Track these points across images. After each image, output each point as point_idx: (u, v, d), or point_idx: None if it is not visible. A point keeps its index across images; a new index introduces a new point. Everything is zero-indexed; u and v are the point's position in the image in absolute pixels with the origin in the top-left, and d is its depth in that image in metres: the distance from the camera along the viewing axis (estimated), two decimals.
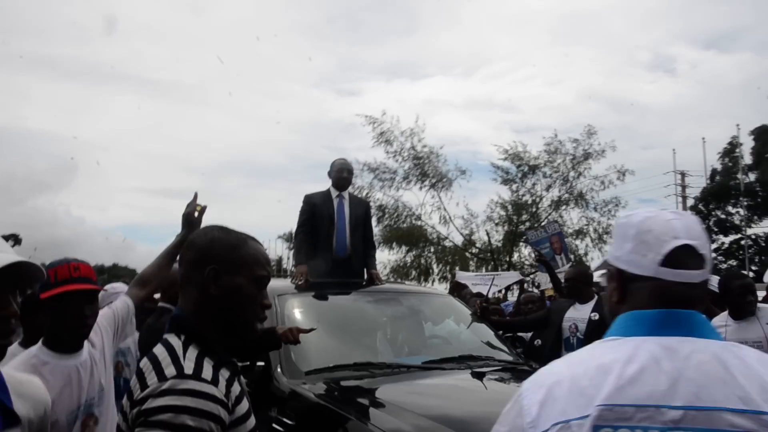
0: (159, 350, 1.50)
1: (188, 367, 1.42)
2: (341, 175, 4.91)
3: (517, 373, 3.74)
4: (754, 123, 31.46)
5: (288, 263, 73.56)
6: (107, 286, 6.06)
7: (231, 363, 1.56)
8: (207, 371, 1.44)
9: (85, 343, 2.42)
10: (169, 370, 1.41)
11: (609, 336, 1.25)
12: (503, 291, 9.00)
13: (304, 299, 4.05)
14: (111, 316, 2.69)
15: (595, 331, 4.38)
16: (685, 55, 54.68)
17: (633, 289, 1.25)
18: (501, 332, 4.60)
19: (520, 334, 5.30)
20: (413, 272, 24.36)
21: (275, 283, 4.20)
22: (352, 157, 22.87)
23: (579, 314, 4.66)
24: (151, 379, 1.42)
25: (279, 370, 3.30)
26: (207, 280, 1.54)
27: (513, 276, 6.02)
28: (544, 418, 1.16)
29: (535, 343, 5.02)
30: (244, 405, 1.53)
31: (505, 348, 4.20)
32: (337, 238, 4.69)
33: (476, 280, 7.09)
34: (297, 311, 3.82)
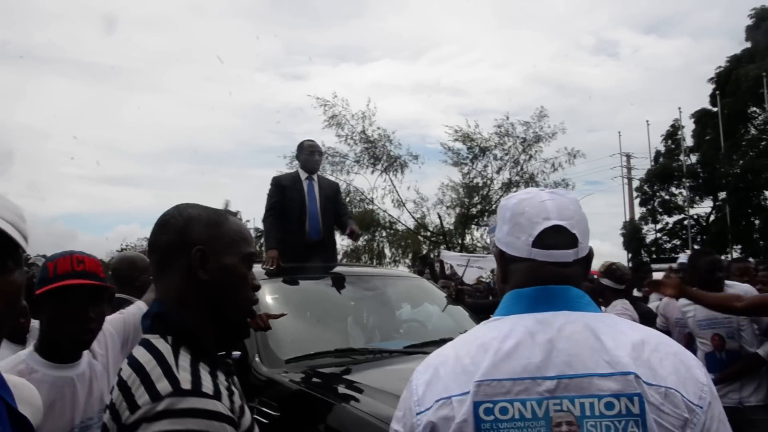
0: (144, 357, 1.24)
1: (185, 380, 1.18)
2: (311, 157, 4.77)
3: None
4: (693, 106, 32.33)
5: None
6: None
7: (225, 363, 1.34)
8: (207, 382, 1.21)
9: (85, 352, 2.05)
10: (163, 385, 1.17)
11: (495, 316, 1.28)
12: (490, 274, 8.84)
13: (277, 285, 3.87)
14: (121, 323, 2.39)
15: None
16: (627, 40, 55.83)
17: (512, 269, 1.30)
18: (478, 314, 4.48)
19: None
20: (365, 257, 24.28)
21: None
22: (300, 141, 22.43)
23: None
24: (142, 396, 1.17)
25: (257, 359, 3.13)
26: (194, 263, 1.31)
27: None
28: (428, 396, 1.20)
29: None
30: (248, 415, 1.33)
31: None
32: (309, 221, 4.55)
33: (461, 261, 6.88)
34: (270, 297, 3.64)
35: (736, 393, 3.72)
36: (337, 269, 4.41)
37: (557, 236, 1.25)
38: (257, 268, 4.06)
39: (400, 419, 1.25)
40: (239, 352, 3.10)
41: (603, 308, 4.43)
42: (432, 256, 20.03)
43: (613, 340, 1.16)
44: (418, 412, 1.20)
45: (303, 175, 4.69)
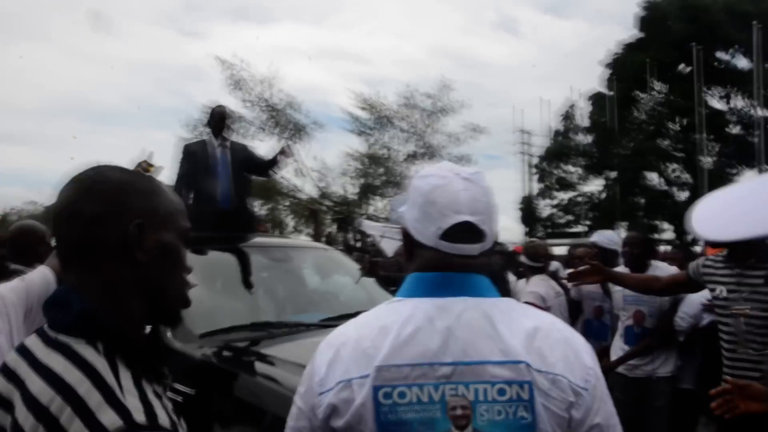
0: (71, 374, 0.93)
1: (136, 410, 0.90)
2: (221, 122, 4.61)
3: None
4: (586, 84, 33.76)
5: None
6: None
7: (161, 372, 1.07)
8: (159, 410, 0.94)
9: None
10: (109, 418, 0.88)
11: (397, 296, 1.30)
12: None
13: (191, 258, 3.81)
14: (23, 291, 2.12)
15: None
16: (527, 17, 57.25)
17: (418, 252, 1.30)
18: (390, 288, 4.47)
19: None
20: (267, 226, 24.14)
21: None
22: (200, 103, 22.06)
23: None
24: None
25: (169, 334, 2.99)
26: (131, 241, 1.03)
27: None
28: (330, 377, 1.21)
29: None
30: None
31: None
32: (220, 188, 4.40)
33: (382, 232, 6.58)
34: None
35: (648, 365, 3.97)
36: (248, 240, 4.30)
37: (466, 231, 1.26)
38: None
39: (302, 395, 1.27)
40: (149, 326, 3.02)
41: (525, 282, 4.73)
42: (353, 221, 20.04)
43: (509, 329, 1.21)
44: (320, 393, 1.21)
45: (214, 141, 4.54)
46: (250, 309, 3.60)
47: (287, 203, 25.01)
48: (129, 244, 1.02)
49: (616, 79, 28.83)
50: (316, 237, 6.38)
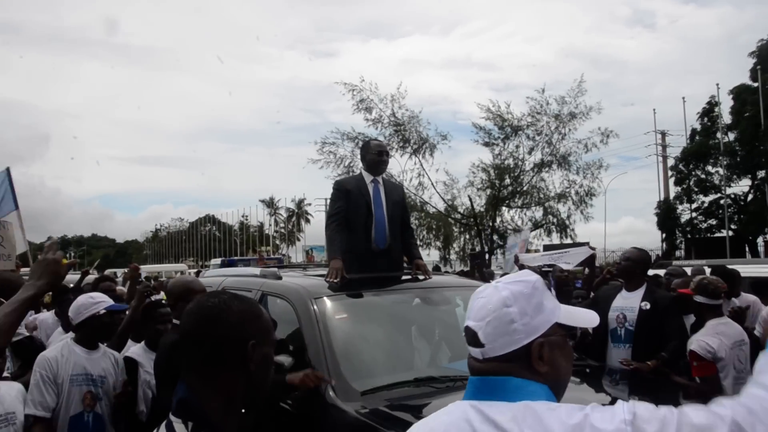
0: None
1: None
2: (379, 158, 4.40)
3: (581, 374, 3.47)
4: (733, 77, 31.38)
5: (270, 229, 73.31)
6: (33, 317, 5.71)
7: None
8: None
9: None
10: None
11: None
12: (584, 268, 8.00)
13: (345, 302, 3.64)
14: None
15: (646, 322, 4.15)
16: (664, 9, 54.40)
17: None
18: None
19: None
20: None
21: (307, 283, 3.84)
22: (330, 120, 22.67)
23: (627, 303, 4.34)
24: None
25: (330, 391, 2.86)
26: (249, 357, 1.39)
27: (583, 251, 5.37)
28: None
29: (583, 334, 4.52)
30: None
31: None
32: (376, 227, 4.22)
33: (542, 261, 6.27)
34: (338, 316, 3.42)
35: None
36: (404, 280, 4.17)
37: (468, 335, 1.38)
38: (320, 282, 3.84)
39: None
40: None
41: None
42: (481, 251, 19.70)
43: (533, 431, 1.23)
44: None
45: (368, 177, 4.35)
46: (411, 360, 3.48)
47: (416, 216, 24.87)
48: (246, 360, 1.39)
49: (761, 69, 26.57)
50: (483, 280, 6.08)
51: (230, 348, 1.39)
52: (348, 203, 4.24)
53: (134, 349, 3.82)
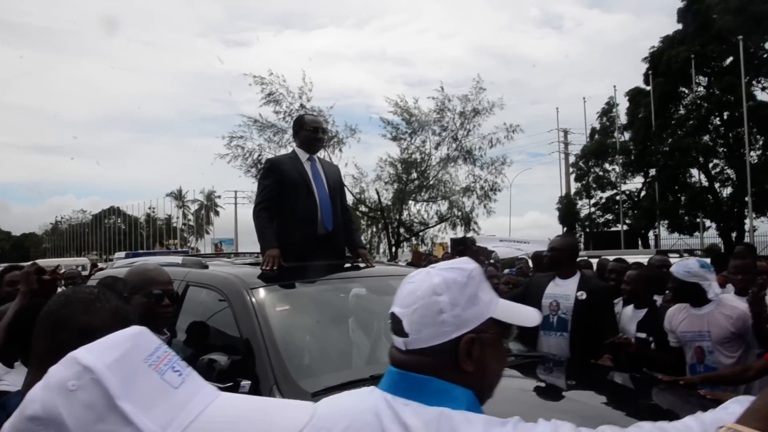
0: None
1: None
2: (314, 134, 4.01)
3: (536, 366, 3.41)
4: (631, 80, 32.98)
5: (178, 222, 71.26)
6: None
7: None
8: None
9: None
10: None
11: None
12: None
13: (285, 292, 3.31)
14: None
15: (582, 312, 4.06)
16: (571, 12, 56.62)
17: None
18: None
19: None
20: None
21: (240, 272, 3.43)
22: (242, 111, 22.18)
23: (561, 290, 4.23)
24: None
25: (277, 392, 2.58)
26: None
27: (542, 243, 5.10)
28: None
29: None
30: None
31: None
32: (322, 208, 3.82)
33: (502, 247, 5.95)
34: (278, 308, 3.10)
35: None
36: (348, 269, 3.87)
37: (393, 321, 1.25)
38: (255, 272, 3.47)
39: None
40: (248, 382, 2.62)
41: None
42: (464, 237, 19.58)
43: None
44: None
45: (303, 155, 3.97)
46: (364, 355, 3.24)
47: None
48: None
49: (654, 74, 28.06)
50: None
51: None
52: (283, 184, 3.83)
53: None
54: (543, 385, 3.35)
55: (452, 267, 1.26)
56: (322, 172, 3.96)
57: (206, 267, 3.60)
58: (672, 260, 5.48)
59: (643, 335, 4.06)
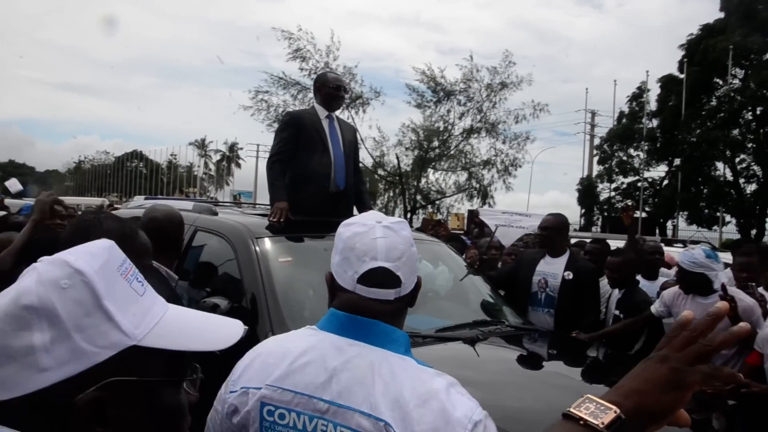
0: None
1: None
2: (336, 92, 4.00)
3: (530, 337, 3.50)
4: (665, 66, 32.35)
5: (199, 171, 71.76)
6: None
7: None
8: None
9: None
10: None
11: (316, 326, 1.40)
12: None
13: (289, 244, 3.36)
14: None
15: (568, 291, 4.20)
16: None
17: (339, 294, 1.38)
18: (498, 287, 4.20)
19: None
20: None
21: (248, 221, 3.49)
22: (271, 65, 22.17)
23: (550, 268, 4.35)
24: None
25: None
26: None
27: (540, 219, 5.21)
28: (240, 380, 1.37)
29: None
30: None
31: (509, 308, 3.80)
32: (335, 166, 3.85)
33: (500, 220, 5.97)
34: (281, 259, 3.15)
35: None
36: None
37: (381, 276, 1.33)
38: (263, 222, 3.52)
39: (219, 397, 1.41)
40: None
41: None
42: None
43: (385, 386, 1.25)
44: (230, 391, 1.37)
45: (322, 113, 3.94)
46: None
47: None
48: None
49: (688, 63, 27.52)
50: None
51: None
52: (299, 138, 3.83)
53: None
54: (525, 354, 3.45)
55: (397, 221, 1.42)
56: (339, 130, 3.97)
57: (216, 214, 3.66)
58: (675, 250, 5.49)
59: (617, 312, 4.28)
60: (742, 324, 0.82)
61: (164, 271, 2.49)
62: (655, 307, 3.95)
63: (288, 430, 1.29)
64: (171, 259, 2.69)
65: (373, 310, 1.34)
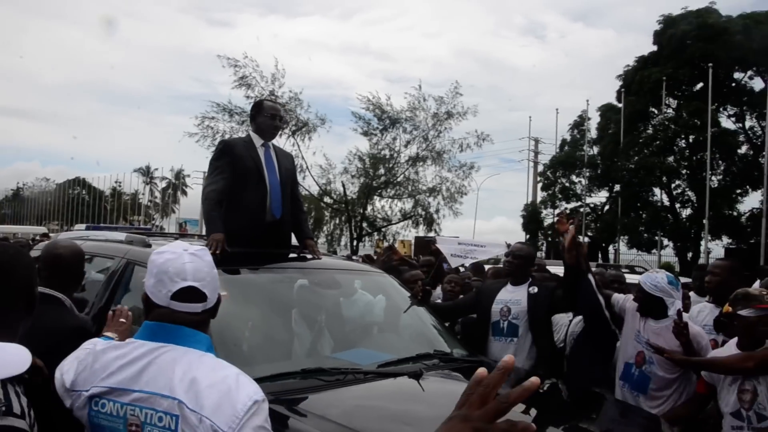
0: None
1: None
2: (272, 121, 3.91)
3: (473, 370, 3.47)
4: (605, 95, 33.47)
5: (144, 198, 70.21)
6: None
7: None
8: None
9: None
10: None
11: (134, 337, 1.72)
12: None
13: (224, 278, 3.12)
14: None
15: (535, 305, 4.18)
16: (556, 24, 57.21)
17: (153, 310, 1.71)
18: (442, 318, 4.13)
19: None
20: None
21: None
22: (219, 92, 21.95)
23: (512, 296, 4.29)
24: None
25: None
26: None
27: (499, 248, 5.05)
28: (76, 383, 1.70)
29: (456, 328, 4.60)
30: None
31: (453, 339, 3.74)
32: (271, 194, 3.76)
33: (456, 250, 5.88)
34: (221, 294, 3.10)
35: None
36: (290, 259, 3.80)
37: (191, 293, 1.67)
38: None
39: (58, 391, 1.75)
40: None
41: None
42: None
43: (183, 374, 1.57)
44: (71, 390, 1.71)
45: (257, 141, 3.85)
46: (300, 348, 3.18)
47: None
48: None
49: (626, 92, 28.57)
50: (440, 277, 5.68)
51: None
52: (235, 167, 3.75)
53: None
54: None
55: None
56: (275, 158, 3.90)
57: (149, 246, 3.51)
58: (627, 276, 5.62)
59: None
60: (532, 378, 0.88)
61: (68, 303, 2.60)
62: (617, 299, 3.97)
63: (106, 417, 1.62)
64: (72, 291, 2.72)
65: (184, 320, 1.66)
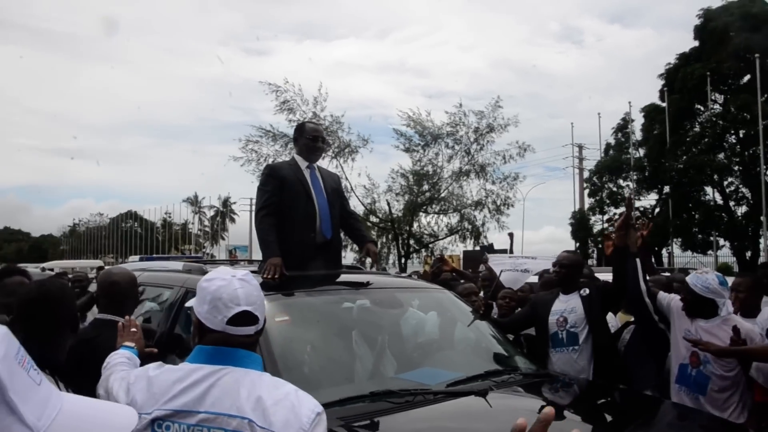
0: None
1: None
2: (314, 143, 3.94)
3: (544, 385, 3.34)
4: (648, 96, 32.86)
5: (194, 227, 71.65)
6: None
7: None
8: None
9: None
10: None
11: (187, 361, 1.77)
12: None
13: (285, 302, 3.22)
14: None
15: (592, 306, 4.13)
16: (591, 28, 56.53)
17: (207, 335, 1.77)
18: (505, 331, 4.07)
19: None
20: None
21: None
22: (261, 119, 22.30)
23: (566, 305, 4.24)
24: None
25: None
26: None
27: (547, 262, 4.93)
28: (143, 405, 1.71)
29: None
30: None
31: (519, 354, 3.68)
32: (320, 216, 3.77)
33: (507, 265, 5.77)
34: (278, 319, 3.02)
35: None
36: (353, 279, 3.76)
37: (245, 317, 1.75)
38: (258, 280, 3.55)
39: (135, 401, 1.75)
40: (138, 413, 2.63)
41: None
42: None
43: (248, 393, 1.64)
44: (140, 413, 1.66)
45: (302, 163, 3.90)
46: (365, 371, 3.11)
47: None
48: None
49: (669, 91, 27.99)
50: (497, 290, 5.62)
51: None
52: (283, 191, 3.76)
53: None
54: (540, 403, 3.38)
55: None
56: (321, 180, 3.90)
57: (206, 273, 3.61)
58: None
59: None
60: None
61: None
62: (663, 297, 3.90)
63: None
64: (129, 314, 2.83)
65: (239, 343, 1.74)
